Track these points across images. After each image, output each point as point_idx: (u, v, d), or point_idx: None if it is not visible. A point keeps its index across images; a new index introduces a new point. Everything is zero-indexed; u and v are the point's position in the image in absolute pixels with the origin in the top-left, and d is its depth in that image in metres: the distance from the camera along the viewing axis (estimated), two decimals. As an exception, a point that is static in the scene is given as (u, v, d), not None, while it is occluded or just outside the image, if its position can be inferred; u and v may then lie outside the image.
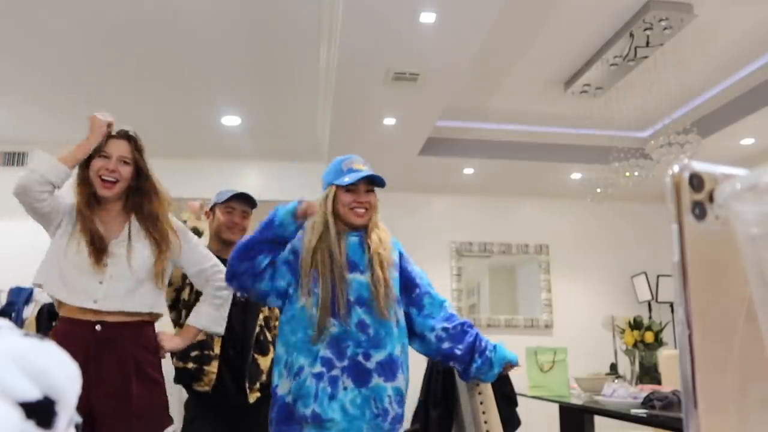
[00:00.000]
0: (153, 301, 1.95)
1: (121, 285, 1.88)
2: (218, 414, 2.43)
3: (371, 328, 1.90)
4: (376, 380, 1.87)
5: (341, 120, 4.54)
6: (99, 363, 1.80)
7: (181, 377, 2.42)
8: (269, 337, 2.54)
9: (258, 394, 2.46)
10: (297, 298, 1.93)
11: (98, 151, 1.93)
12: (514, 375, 2.70)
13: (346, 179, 1.98)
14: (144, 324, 1.96)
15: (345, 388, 1.84)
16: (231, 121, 5.10)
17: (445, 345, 2.03)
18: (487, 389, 2.46)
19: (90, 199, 1.93)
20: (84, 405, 1.76)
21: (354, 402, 1.84)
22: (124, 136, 1.98)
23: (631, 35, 3.71)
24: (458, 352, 2.03)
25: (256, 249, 1.89)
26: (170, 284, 2.29)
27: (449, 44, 3.49)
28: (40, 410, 0.44)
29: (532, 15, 3.66)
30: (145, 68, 4.23)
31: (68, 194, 1.96)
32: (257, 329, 2.50)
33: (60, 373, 0.47)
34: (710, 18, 3.64)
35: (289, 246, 1.97)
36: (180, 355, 2.37)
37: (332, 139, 4.87)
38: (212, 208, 2.62)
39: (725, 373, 0.40)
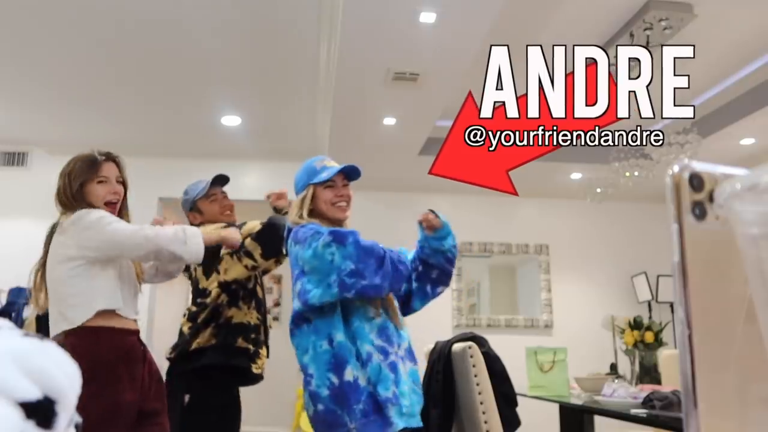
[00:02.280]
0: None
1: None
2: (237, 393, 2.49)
3: (392, 321, 1.98)
4: (410, 365, 1.98)
5: (341, 120, 4.54)
6: (150, 367, 1.97)
7: (241, 357, 2.40)
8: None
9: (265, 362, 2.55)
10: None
11: (95, 176, 1.99)
12: (513, 375, 2.70)
13: (324, 175, 2.02)
14: None
15: (405, 367, 1.92)
16: (231, 121, 5.10)
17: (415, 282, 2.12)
18: (487, 389, 2.46)
19: None
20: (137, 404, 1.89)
21: (414, 379, 1.95)
22: (112, 158, 2.08)
23: (631, 35, 3.70)
24: (434, 276, 2.12)
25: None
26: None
27: (449, 44, 3.48)
28: (40, 410, 0.44)
29: (532, 15, 3.66)
30: (145, 68, 4.23)
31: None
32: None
33: (60, 373, 0.47)
34: (710, 18, 3.63)
35: None
36: (245, 336, 2.41)
37: (332, 139, 4.87)
38: (192, 209, 2.63)
39: (725, 373, 0.40)
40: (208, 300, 2.39)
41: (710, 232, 0.41)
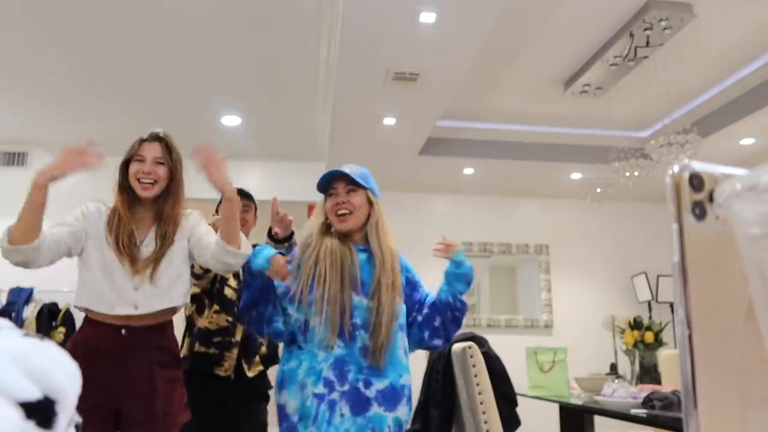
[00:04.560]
0: (172, 299, 2.01)
1: (149, 287, 1.95)
2: (214, 393, 2.48)
3: (370, 354, 1.84)
4: (376, 409, 1.81)
5: (341, 120, 4.54)
6: (125, 366, 1.88)
7: (201, 362, 2.45)
8: None
9: (260, 367, 2.53)
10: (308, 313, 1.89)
11: (133, 156, 1.99)
12: (513, 375, 2.70)
13: (318, 184, 1.99)
14: (165, 325, 2.03)
15: (342, 415, 1.78)
16: (231, 121, 5.10)
17: (430, 334, 2.01)
18: (487, 389, 2.46)
19: (130, 203, 2.00)
20: (112, 407, 1.85)
21: (348, 431, 1.78)
22: (156, 138, 2.04)
23: (631, 35, 3.70)
24: (438, 324, 2.00)
25: (258, 305, 1.91)
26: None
27: (449, 44, 3.48)
28: (40, 410, 0.44)
29: (532, 15, 3.66)
30: (146, 69, 4.24)
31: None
32: None
33: (60, 373, 0.47)
34: (710, 18, 3.64)
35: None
36: (203, 340, 2.46)
37: (332, 139, 4.87)
38: (217, 209, 2.65)
39: (725, 373, 0.40)
40: (186, 312, 2.53)
41: (710, 232, 0.41)
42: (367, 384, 1.82)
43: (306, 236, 1.99)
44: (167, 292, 1.97)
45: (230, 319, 2.48)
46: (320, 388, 1.80)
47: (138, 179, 1.97)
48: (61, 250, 1.91)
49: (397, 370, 1.87)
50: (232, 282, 2.52)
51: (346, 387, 1.81)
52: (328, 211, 1.97)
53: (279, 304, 1.92)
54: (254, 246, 1.97)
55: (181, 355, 2.39)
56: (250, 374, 2.49)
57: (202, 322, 2.47)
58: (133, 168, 1.98)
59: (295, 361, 1.88)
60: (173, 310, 2.04)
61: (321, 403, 1.79)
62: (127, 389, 1.87)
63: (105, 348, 1.87)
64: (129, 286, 1.92)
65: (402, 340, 1.93)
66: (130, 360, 1.90)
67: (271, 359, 2.61)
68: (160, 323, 1.99)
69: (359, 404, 1.80)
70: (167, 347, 2.01)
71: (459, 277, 1.99)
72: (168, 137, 2.07)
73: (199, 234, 2.02)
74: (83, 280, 1.96)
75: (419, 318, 2.01)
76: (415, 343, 2.03)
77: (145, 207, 2.02)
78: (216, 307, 2.47)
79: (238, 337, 2.47)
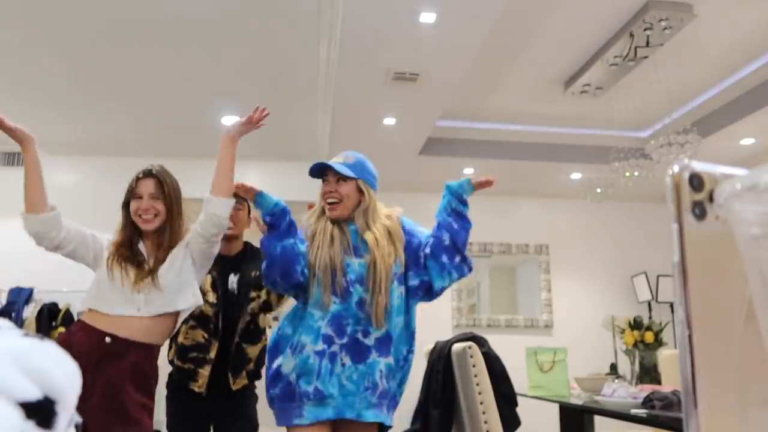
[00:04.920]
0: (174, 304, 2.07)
1: (155, 291, 2.03)
2: (201, 405, 2.48)
3: (367, 307, 1.97)
4: (374, 356, 1.95)
5: (341, 120, 4.54)
6: (98, 372, 1.90)
7: (180, 376, 2.49)
8: (261, 324, 2.60)
9: (245, 382, 2.53)
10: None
11: (132, 194, 2.10)
12: (513, 375, 2.70)
13: (311, 171, 2.12)
14: (152, 348, 2.04)
15: (343, 365, 1.92)
16: (231, 121, 5.09)
17: (443, 253, 2.03)
18: (487, 389, 2.46)
19: (134, 236, 2.11)
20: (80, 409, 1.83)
21: (351, 378, 1.92)
22: (149, 174, 2.13)
23: (631, 35, 3.71)
24: (447, 242, 2.03)
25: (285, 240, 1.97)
26: None
27: (449, 44, 3.48)
28: (40, 410, 0.44)
29: (532, 15, 3.66)
30: (145, 69, 4.24)
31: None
32: (247, 318, 2.53)
33: (60, 373, 0.47)
34: (710, 18, 3.64)
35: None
36: (179, 355, 2.48)
37: (332, 139, 4.87)
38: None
39: (725, 373, 0.40)
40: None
41: (710, 232, 0.41)
42: (366, 333, 1.95)
43: (307, 218, 2.11)
44: (170, 294, 2.02)
45: (206, 335, 2.46)
46: (320, 345, 1.93)
47: (139, 215, 2.07)
48: (83, 239, 2.04)
49: (391, 318, 1.99)
50: (210, 297, 2.48)
51: (345, 339, 1.94)
52: (320, 196, 2.12)
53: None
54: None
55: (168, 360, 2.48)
56: (234, 387, 2.48)
57: (179, 337, 2.48)
58: (133, 206, 2.09)
59: (290, 328, 2.01)
60: (175, 316, 2.08)
61: (323, 359, 1.92)
62: (93, 397, 1.84)
63: (85, 351, 1.87)
64: (134, 290, 2.00)
65: (397, 290, 2.03)
66: (105, 368, 1.90)
67: (256, 375, 2.60)
68: (147, 344, 2.01)
69: (359, 353, 1.94)
70: (146, 371, 2.01)
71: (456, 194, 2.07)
72: (161, 172, 2.15)
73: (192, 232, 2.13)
74: (96, 284, 2.06)
75: (428, 250, 2.05)
76: (439, 274, 2.04)
77: (148, 240, 2.12)
78: (192, 322, 2.45)
79: (212, 354, 2.45)
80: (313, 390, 1.90)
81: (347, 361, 1.92)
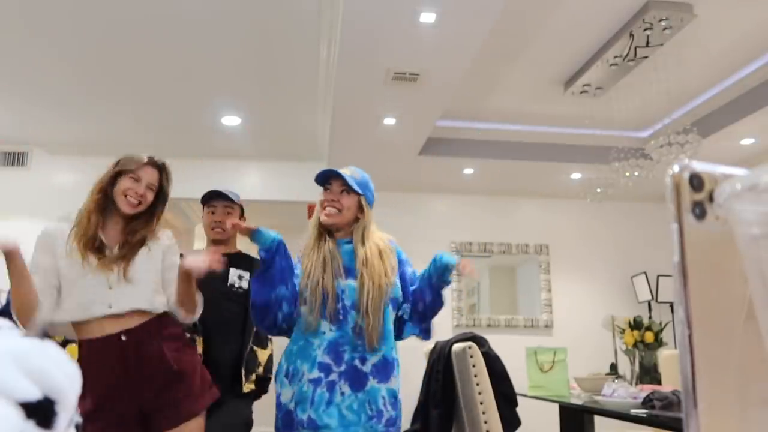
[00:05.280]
0: (148, 300, 2.01)
1: (127, 287, 1.95)
2: None
3: (365, 335, 1.94)
4: (371, 383, 1.92)
5: (341, 120, 4.54)
6: (138, 367, 1.90)
7: None
8: None
9: (252, 386, 2.48)
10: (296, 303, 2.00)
11: (128, 172, 1.99)
12: (513, 375, 2.70)
13: (317, 177, 2.07)
14: (161, 316, 2.01)
15: (342, 393, 1.89)
16: (231, 121, 5.10)
17: (417, 315, 2.11)
18: (487, 389, 2.47)
19: (101, 209, 1.99)
20: (136, 411, 1.88)
21: (351, 407, 1.88)
22: (156, 165, 2.06)
23: (631, 35, 3.71)
24: (420, 309, 2.10)
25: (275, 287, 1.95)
26: None
27: (449, 44, 3.48)
28: (40, 410, 0.44)
29: (532, 15, 3.66)
30: (145, 69, 4.24)
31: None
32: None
33: (60, 374, 0.47)
34: (710, 18, 3.64)
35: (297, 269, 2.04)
36: None
37: (332, 139, 4.87)
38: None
39: (725, 373, 0.40)
40: None
41: (710, 232, 0.41)
42: (363, 360, 1.93)
43: (305, 241, 2.08)
44: (143, 291, 1.95)
45: (187, 334, 2.42)
46: (315, 373, 1.91)
47: (125, 195, 1.98)
48: (54, 293, 1.92)
49: (388, 343, 1.98)
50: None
51: (343, 367, 1.91)
52: (319, 203, 2.08)
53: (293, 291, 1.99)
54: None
55: None
56: (245, 389, 2.45)
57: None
58: (125, 183, 1.99)
59: (291, 357, 1.98)
60: (153, 313, 1.98)
61: (317, 387, 1.89)
62: (148, 385, 1.89)
63: (112, 358, 1.88)
64: (102, 286, 1.90)
65: (392, 314, 2.03)
66: (140, 358, 1.90)
67: (265, 382, 2.55)
68: (156, 316, 1.97)
69: (358, 380, 1.91)
70: (173, 335, 2.00)
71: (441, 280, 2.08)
72: (166, 168, 2.09)
73: (168, 263, 2.04)
74: (61, 299, 1.92)
75: (405, 306, 2.11)
76: (403, 329, 2.13)
77: (119, 221, 2.02)
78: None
79: (199, 349, 2.39)
80: (306, 419, 1.87)
81: (346, 389, 1.89)
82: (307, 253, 2.02)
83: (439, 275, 2.04)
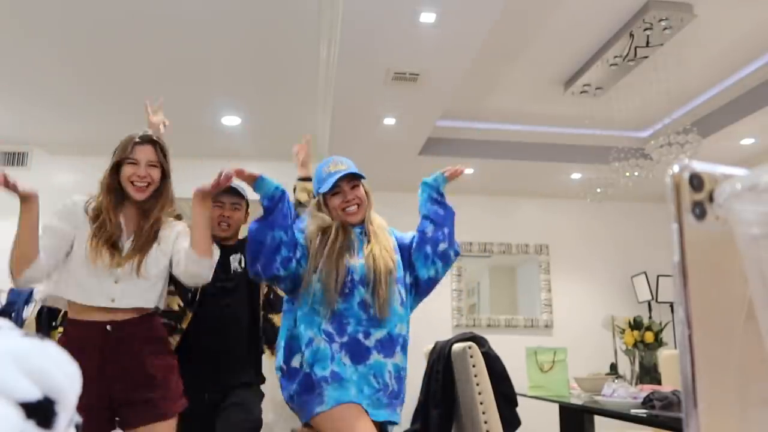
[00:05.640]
0: (149, 298, 2.01)
1: (134, 284, 1.95)
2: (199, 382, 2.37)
3: (372, 308, 1.97)
4: (375, 356, 1.95)
5: (341, 120, 4.54)
6: (116, 361, 1.88)
7: None
8: (279, 294, 2.50)
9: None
10: (302, 278, 1.99)
11: (126, 158, 1.99)
12: (513, 375, 2.70)
13: (325, 185, 2.06)
14: (151, 316, 2.03)
15: (343, 364, 1.92)
16: (231, 121, 5.10)
17: (428, 246, 2.15)
18: (487, 389, 2.46)
19: (117, 204, 2.00)
20: (107, 404, 1.86)
21: (378, 371, 1.94)
22: (149, 141, 2.05)
23: (631, 35, 3.70)
24: (430, 233, 2.16)
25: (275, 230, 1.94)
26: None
27: (449, 44, 3.48)
28: (40, 410, 0.44)
29: (532, 15, 3.66)
30: (145, 68, 4.23)
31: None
32: (265, 289, 2.52)
33: (60, 373, 0.47)
34: (710, 18, 3.64)
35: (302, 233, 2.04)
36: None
37: (332, 139, 4.87)
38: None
39: (725, 373, 0.40)
40: None
41: (710, 232, 0.41)
42: (366, 334, 1.96)
43: (309, 236, 2.06)
44: (147, 290, 1.97)
45: (181, 304, 2.39)
46: (323, 337, 1.94)
47: (132, 182, 1.98)
48: (57, 257, 1.93)
49: (393, 321, 2.01)
50: None
51: (345, 338, 1.94)
52: (334, 208, 2.07)
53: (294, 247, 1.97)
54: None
55: None
56: (270, 359, 2.46)
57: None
58: (127, 171, 1.99)
59: (298, 329, 1.98)
60: (147, 311, 2.00)
61: (332, 344, 1.92)
62: (121, 382, 1.88)
63: (92, 346, 1.87)
64: (110, 279, 1.92)
65: (399, 293, 2.05)
66: (120, 354, 1.90)
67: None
68: (146, 315, 1.99)
69: (359, 353, 1.94)
70: (156, 338, 2.02)
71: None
72: (160, 139, 2.08)
73: (179, 247, 2.04)
74: (67, 271, 1.95)
75: (413, 245, 2.16)
76: (424, 263, 2.14)
77: (133, 207, 2.02)
78: (171, 287, 2.33)
79: (183, 325, 2.37)
80: (330, 373, 1.88)
81: (347, 360, 1.92)
82: (315, 232, 2.03)
83: (436, 190, 2.18)
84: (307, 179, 2.61)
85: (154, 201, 2.02)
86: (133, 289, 1.94)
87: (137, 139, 2.03)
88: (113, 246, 1.93)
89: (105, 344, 1.88)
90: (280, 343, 2.03)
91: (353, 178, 2.08)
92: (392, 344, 1.99)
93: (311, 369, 1.90)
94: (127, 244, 1.98)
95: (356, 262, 2.01)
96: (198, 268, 1.96)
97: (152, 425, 1.89)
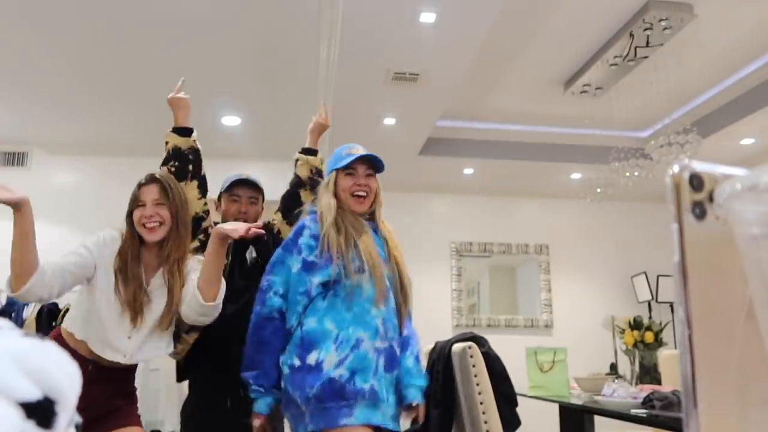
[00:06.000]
0: (160, 347, 2.00)
1: (148, 336, 1.93)
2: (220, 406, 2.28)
3: (396, 318, 1.93)
4: (396, 369, 1.91)
5: (341, 120, 4.54)
6: (84, 395, 1.79)
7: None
8: None
9: None
10: (344, 275, 1.86)
11: (135, 203, 1.98)
12: (513, 375, 2.70)
13: (345, 161, 1.98)
14: (133, 368, 2.01)
15: (381, 378, 1.81)
16: (231, 121, 5.10)
17: None
18: (487, 389, 2.46)
19: (136, 252, 1.96)
20: None
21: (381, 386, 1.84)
22: (152, 180, 2.02)
23: (631, 35, 3.71)
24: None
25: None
26: None
27: (449, 44, 3.48)
28: (40, 410, 0.44)
29: (532, 15, 3.66)
30: (145, 68, 4.23)
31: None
32: None
33: (60, 373, 0.47)
34: (710, 18, 3.64)
35: (307, 245, 1.92)
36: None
37: (332, 139, 4.87)
38: (219, 197, 2.49)
39: (725, 373, 0.40)
40: None
41: (710, 232, 0.41)
42: (397, 344, 1.91)
43: (324, 214, 1.96)
44: (159, 342, 1.95)
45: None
46: (378, 342, 1.83)
47: (143, 224, 1.95)
48: (66, 279, 1.84)
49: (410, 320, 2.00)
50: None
51: (386, 344, 1.87)
52: (344, 189, 1.99)
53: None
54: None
55: None
56: None
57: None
58: (137, 215, 1.96)
59: (326, 322, 1.83)
60: (128, 371, 2.00)
61: (379, 356, 1.83)
62: (84, 411, 1.80)
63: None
64: (123, 334, 1.89)
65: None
66: (91, 391, 1.80)
67: None
68: (130, 367, 1.97)
69: (391, 361, 1.87)
70: (129, 392, 2.01)
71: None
72: (164, 176, 2.05)
73: (188, 285, 1.97)
74: (85, 307, 1.91)
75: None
76: None
77: (150, 251, 1.99)
78: None
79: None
80: (369, 389, 1.75)
81: (382, 370, 1.84)
82: (338, 223, 1.92)
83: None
84: (310, 152, 2.52)
85: (169, 243, 1.97)
86: (143, 345, 1.92)
87: (142, 181, 2.01)
88: (135, 308, 1.89)
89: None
90: (318, 336, 1.83)
91: (370, 167, 2.01)
92: (396, 360, 1.93)
93: (352, 376, 1.75)
94: (150, 299, 1.93)
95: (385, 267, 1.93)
96: (201, 316, 1.90)
97: (123, 430, 1.87)
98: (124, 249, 1.95)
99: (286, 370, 1.84)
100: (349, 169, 2.00)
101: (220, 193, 2.49)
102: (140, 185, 2.00)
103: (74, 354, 1.82)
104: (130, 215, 1.98)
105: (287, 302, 1.91)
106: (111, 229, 2.01)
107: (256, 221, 2.38)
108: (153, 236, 1.94)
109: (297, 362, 1.81)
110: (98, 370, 1.88)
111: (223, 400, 2.30)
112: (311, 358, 1.79)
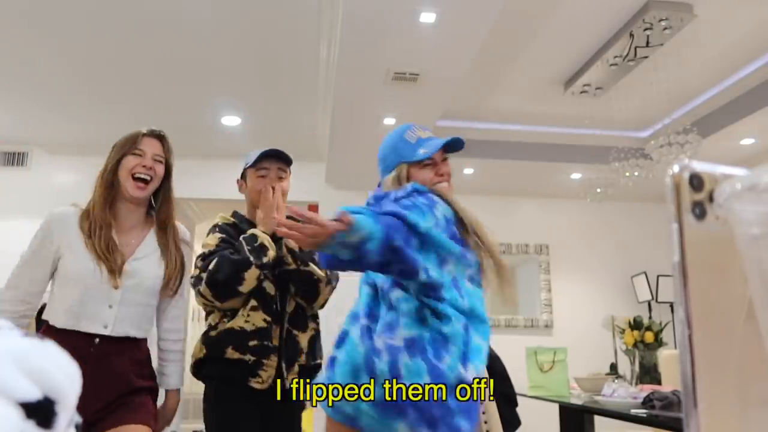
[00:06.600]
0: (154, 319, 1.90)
1: (132, 308, 1.78)
2: (249, 403, 2.00)
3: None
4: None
5: (341, 120, 4.54)
6: (95, 378, 1.64)
7: (235, 370, 1.96)
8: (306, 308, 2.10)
9: (295, 377, 2.01)
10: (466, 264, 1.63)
11: (130, 150, 1.84)
12: (513, 375, 2.70)
13: (421, 152, 1.65)
14: (141, 340, 1.86)
15: None
16: (231, 121, 5.10)
17: None
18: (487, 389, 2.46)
19: (109, 206, 1.81)
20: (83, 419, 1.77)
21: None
22: (157, 135, 1.93)
23: (631, 35, 3.71)
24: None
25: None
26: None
27: (449, 44, 3.48)
28: (40, 410, 0.44)
29: (532, 15, 3.66)
30: (146, 69, 4.24)
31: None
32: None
33: (60, 373, 0.47)
34: (710, 18, 3.64)
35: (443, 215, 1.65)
36: (238, 344, 1.95)
37: (332, 139, 4.87)
38: (243, 176, 2.27)
39: (725, 373, 0.40)
40: (209, 317, 2.09)
41: (710, 232, 0.41)
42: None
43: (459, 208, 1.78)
44: (142, 316, 1.80)
45: (268, 318, 1.99)
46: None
47: (133, 174, 1.79)
48: (43, 285, 1.76)
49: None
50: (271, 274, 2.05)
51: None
52: (422, 182, 1.69)
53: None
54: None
55: (200, 357, 2.00)
56: (287, 383, 1.99)
57: (236, 322, 1.97)
58: (130, 162, 1.80)
59: (456, 324, 1.58)
60: (137, 340, 1.81)
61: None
62: (96, 402, 1.66)
63: (76, 357, 1.71)
64: (104, 302, 1.72)
65: None
66: (103, 368, 1.69)
67: (313, 370, 2.05)
68: (138, 337, 1.82)
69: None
70: (141, 360, 1.83)
71: None
72: (167, 138, 1.97)
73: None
74: (58, 294, 1.75)
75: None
76: None
77: (131, 212, 1.84)
78: (253, 302, 1.99)
79: (275, 341, 1.98)
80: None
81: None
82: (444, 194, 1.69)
83: None
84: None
85: (157, 207, 1.88)
86: (128, 315, 1.75)
87: (144, 131, 1.90)
88: (110, 263, 1.72)
89: (87, 355, 1.67)
90: (450, 337, 1.51)
91: (447, 149, 1.69)
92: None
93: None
94: (128, 264, 1.77)
95: None
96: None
97: (126, 427, 1.68)
98: (94, 201, 1.80)
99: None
100: (426, 159, 1.71)
101: (245, 169, 2.26)
102: (142, 135, 1.88)
103: (72, 333, 1.70)
104: (117, 163, 1.80)
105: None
106: (58, 208, 1.84)
107: (279, 197, 2.14)
108: (138, 192, 1.80)
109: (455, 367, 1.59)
110: (105, 341, 1.71)
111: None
112: (464, 368, 1.63)
